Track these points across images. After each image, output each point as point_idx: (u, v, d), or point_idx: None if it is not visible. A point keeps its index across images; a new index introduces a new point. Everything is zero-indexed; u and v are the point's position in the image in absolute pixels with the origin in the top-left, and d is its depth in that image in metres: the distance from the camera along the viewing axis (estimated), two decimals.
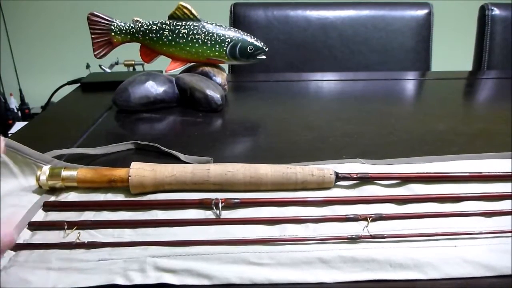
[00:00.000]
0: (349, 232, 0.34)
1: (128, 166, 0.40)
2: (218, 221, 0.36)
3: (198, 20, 0.67)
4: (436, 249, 0.32)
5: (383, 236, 0.33)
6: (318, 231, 0.35)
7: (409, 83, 0.91)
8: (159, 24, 0.67)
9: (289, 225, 0.35)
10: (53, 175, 0.40)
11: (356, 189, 0.42)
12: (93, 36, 0.68)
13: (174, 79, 0.69)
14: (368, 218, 0.35)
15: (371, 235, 0.33)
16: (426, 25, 1.13)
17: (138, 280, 0.30)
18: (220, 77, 0.71)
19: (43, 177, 0.40)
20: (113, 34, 0.68)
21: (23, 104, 2.19)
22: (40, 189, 0.41)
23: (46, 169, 0.40)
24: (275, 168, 0.41)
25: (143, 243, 0.33)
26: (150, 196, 0.40)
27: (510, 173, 0.43)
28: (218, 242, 0.33)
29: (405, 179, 0.42)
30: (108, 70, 1.65)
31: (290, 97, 0.80)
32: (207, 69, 0.70)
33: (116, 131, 0.62)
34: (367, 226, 0.34)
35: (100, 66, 1.61)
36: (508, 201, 0.39)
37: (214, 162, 0.45)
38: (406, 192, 0.41)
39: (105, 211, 0.38)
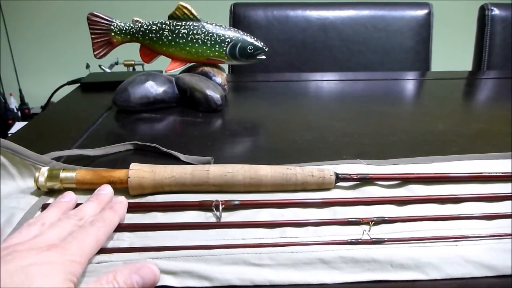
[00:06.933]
0: (350, 233, 0.34)
1: (128, 167, 0.40)
2: (218, 225, 0.36)
3: (198, 20, 0.67)
4: (437, 249, 0.32)
5: (383, 241, 0.33)
6: (318, 233, 0.35)
7: (409, 83, 0.91)
8: (159, 24, 0.67)
9: (289, 227, 0.35)
10: (51, 176, 0.39)
11: (356, 190, 0.41)
12: (93, 36, 0.68)
13: (174, 79, 0.69)
14: (370, 222, 0.35)
15: (372, 239, 0.33)
16: (426, 25, 1.13)
17: None
18: (220, 77, 0.71)
19: (42, 179, 0.39)
20: (113, 34, 0.68)
21: (23, 104, 2.19)
22: (39, 191, 0.40)
23: (44, 170, 0.40)
24: (275, 169, 0.40)
25: (142, 248, 0.32)
26: (149, 198, 0.39)
27: (510, 174, 0.43)
28: (218, 246, 0.32)
29: (405, 180, 0.42)
30: (108, 70, 1.65)
31: (290, 97, 0.80)
32: (207, 69, 0.70)
33: (116, 131, 0.62)
34: (369, 230, 0.34)
35: (100, 66, 1.61)
36: (508, 202, 0.39)
37: (214, 162, 0.45)
38: (406, 193, 0.41)
39: None
